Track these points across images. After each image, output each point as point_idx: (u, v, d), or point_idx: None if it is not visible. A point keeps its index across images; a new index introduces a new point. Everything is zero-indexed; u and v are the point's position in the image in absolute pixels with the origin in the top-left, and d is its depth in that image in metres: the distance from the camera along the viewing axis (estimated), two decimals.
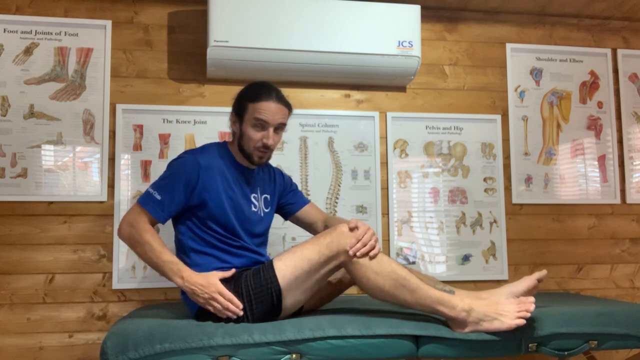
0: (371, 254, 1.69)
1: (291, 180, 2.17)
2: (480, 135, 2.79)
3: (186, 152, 1.90)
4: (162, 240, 1.79)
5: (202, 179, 1.81)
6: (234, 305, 1.69)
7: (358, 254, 1.68)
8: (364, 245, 1.69)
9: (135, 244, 1.79)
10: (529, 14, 2.89)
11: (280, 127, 1.89)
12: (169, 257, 1.75)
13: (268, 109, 1.84)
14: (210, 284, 1.71)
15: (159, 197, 1.79)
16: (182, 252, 1.89)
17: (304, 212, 2.13)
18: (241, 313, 1.70)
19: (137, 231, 1.77)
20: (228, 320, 1.71)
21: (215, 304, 1.69)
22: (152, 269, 1.81)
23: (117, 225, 2.40)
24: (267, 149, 1.87)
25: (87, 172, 2.46)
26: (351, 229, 1.72)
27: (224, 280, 1.74)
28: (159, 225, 2.46)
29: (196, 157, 1.83)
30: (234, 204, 1.87)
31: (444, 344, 1.68)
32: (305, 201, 2.16)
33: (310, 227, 2.14)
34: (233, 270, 1.77)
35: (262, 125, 1.84)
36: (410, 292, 1.68)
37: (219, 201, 1.83)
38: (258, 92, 1.86)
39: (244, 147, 1.89)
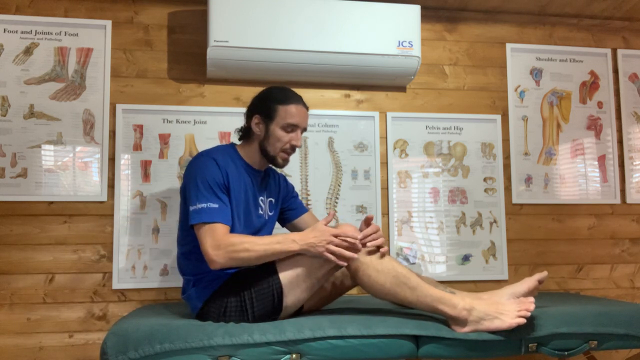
0: (382, 250, 1.74)
1: (293, 187, 2.19)
2: (480, 135, 2.79)
3: (200, 155, 1.87)
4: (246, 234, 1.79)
5: (224, 175, 1.80)
6: (351, 239, 1.71)
7: (370, 243, 1.73)
8: (377, 238, 1.75)
9: (236, 256, 1.70)
10: (529, 14, 2.89)
11: (303, 130, 1.95)
12: (267, 238, 1.75)
13: (300, 112, 1.89)
14: (322, 231, 1.72)
15: (216, 205, 1.74)
16: (186, 257, 1.88)
17: (302, 220, 2.14)
18: (360, 247, 1.72)
19: (226, 245, 1.69)
20: (228, 320, 1.71)
21: (333, 247, 1.69)
22: (265, 259, 1.74)
23: (117, 225, 2.42)
24: (293, 151, 1.93)
25: (87, 172, 2.46)
26: (370, 218, 1.80)
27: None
28: (161, 228, 2.48)
29: (213, 157, 1.82)
30: (242, 208, 1.86)
31: (444, 344, 1.68)
32: (304, 210, 2.17)
33: None
34: (333, 212, 1.82)
35: (292, 127, 1.88)
36: (411, 290, 1.69)
37: (235, 203, 1.83)
38: (288, 95, 1.91)
39: (268, 149, 1.90)
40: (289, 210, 2.13)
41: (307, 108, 1.94)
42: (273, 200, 2.04)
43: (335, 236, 1.70)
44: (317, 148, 2.65)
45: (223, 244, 1.69)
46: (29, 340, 2.34)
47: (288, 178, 2.28)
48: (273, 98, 1.90)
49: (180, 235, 1.91)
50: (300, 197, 2.22)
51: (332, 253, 1.70)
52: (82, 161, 2.46)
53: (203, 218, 1.72)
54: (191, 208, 1.75)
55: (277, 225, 2.18)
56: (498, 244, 2.74)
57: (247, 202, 1.88)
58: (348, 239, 1.70)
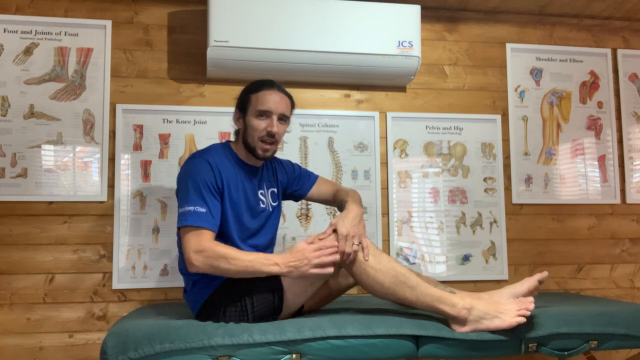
0: (363, 245, 1.74)
1: (292, 164, 2.13)
2: (480, 135, 2.79)
3: (193, 157, 1.85)
4: (230, 245, 1.75)
5: (217, 177, 1.79)
6: (331, 248, 1.70)
7: (350, 258, 1.73)
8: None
9: (216, 264, 1.68)
10: (529, 14, 2.89)
11: (283, 118, 1.88)
12: (251, 255, 1.71)
13: (270, 98, 1.84)
14: (302, 251, 1.69)
15: (203, 210, 1.72)
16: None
17: (313, 193, 2.12)
18: (337, 257, 1.70)
19: (208, 252, 1.68)
20: (228, 320, 1.71)
21: (317, 261, 1.68)
22: (243, 275, 1.71)
23: (117, 225, 2.42)
24: (273, 138, 1.85)
25: (87, 172, 2.46)
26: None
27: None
28: (161, 228, 2.49)
29: (206, 159, 1.80)
30: (241, 205, 1.86)
31: (444, 344, 1.68)
32: (312, 182, 2.12)
33: (325, 203, 2.16)
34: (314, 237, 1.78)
35: (265, 114, 1.84)
36: (411, 289, 1.69)
37: (232, 202, 1.83)
38: (261, 83, 1.89)
39: (248, 141, 1.87)
40: (296, 191, 2.11)
41: (285, 94, 1.89)
42: (275, 190, 2.03)
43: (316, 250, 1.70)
44: (317, 148, 2.65)
45: (206, 249, 1.68)
46: (29, 340, 2.34)
47: None
48: (247, 90, 1.89)
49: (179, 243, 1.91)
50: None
51: (317, 266, 1.69)
52: (82, 161, 2.46)
53: (189, 221, 1.72)
54: (179, 210, 1.76)
55: (282, 220, 2.18)
56: (498, 244, 2.74)
57: (247, 199, 1.87)
58: (329, 249, 1.70)
